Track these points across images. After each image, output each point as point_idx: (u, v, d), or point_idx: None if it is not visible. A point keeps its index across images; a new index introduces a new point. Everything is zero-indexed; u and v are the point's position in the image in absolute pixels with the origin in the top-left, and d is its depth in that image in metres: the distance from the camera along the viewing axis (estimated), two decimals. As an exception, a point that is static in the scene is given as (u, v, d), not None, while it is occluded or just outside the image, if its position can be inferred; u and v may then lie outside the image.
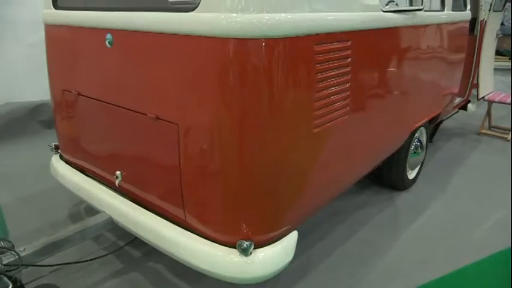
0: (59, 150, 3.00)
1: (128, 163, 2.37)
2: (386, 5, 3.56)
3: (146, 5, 2.26)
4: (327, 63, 1.96)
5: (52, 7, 2.66)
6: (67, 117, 2.78)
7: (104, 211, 2.44)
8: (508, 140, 4.91)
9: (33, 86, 4.81)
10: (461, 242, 2.88)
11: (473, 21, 4.39)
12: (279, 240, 1.99)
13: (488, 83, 5.07)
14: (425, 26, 3.04)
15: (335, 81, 2.05)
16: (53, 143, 3.02)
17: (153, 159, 2.19)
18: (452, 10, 3.59)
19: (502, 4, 4.90)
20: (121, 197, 2.43)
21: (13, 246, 2.00)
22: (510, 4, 7.45)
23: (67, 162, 2.91)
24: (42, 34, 2.82)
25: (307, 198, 2.16)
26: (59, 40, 2.71)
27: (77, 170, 2.80)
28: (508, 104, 4.99)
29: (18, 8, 4.84)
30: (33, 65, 4.53)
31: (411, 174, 3.64)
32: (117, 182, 2.40)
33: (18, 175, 3.87)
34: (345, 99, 2.17)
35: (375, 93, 2.55)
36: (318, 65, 1.91)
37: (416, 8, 2.79)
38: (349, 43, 2.10)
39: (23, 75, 4.96)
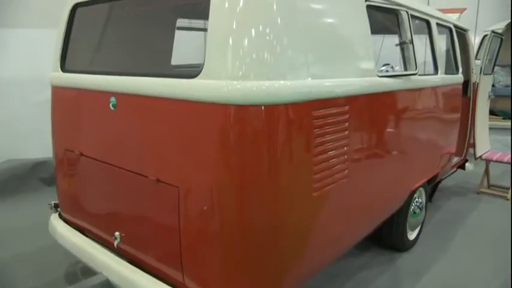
0: (58, 209, 2.99)
1: (127, 224, 2.37)
2: (383, 66, 3.71)
3: (150, 71, 2.35)
4: (325, 127, 2.02)
5: (60, 70, 2.76)
6: (68, 176, 2.81)
7: (101, 272, 2.40)
8: (508, 199, 4.91)
9: (36, 143, 4.88)
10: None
11: (466, 84, 4.53)
12: (278, 304, 1.95)
13: (484, 142, 5.15)
14: (420, 89, 3.15)
15: (333, 145, 2.10)
16: (53, 202, 3.02)
17: (152, 221, 2.20)
18: (445, 73, 3.72)
19: (491, 67, 5.09)
20: (119, 259, 2.40)
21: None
22: (499, 67, 7.70)
23: (66, 221, 2.90)
24: (47, 94, 2.91)
25: (306, 261, 2.14)
26: (64, 101, 2.78)
27: (76, 229, 2.78)
28: (505, 162, 5.03)
29: (26, 70, 5.01)
30: (37, 123, 4.61)
31: (412, 235, 3.61)
32: (115, 243, 2.39)
33: (16, 232, 3.83)
34: (343, 163, 2.21)
35: (373, 156, 2.59)
36: (316, 130, 1.96)
37: (411, 72, 2.90)
38: (346, 108, 2.17)
39: (26, 132, 5.04)
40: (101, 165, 2.44)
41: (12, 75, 5.02)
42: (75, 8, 2.72)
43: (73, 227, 2.82)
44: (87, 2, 2.63)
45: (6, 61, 4.99)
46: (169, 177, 2.02)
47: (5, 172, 4.85)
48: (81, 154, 2.60)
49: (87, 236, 2.70)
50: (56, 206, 3.01)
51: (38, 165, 5.03)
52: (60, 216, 2.97)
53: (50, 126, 2.91)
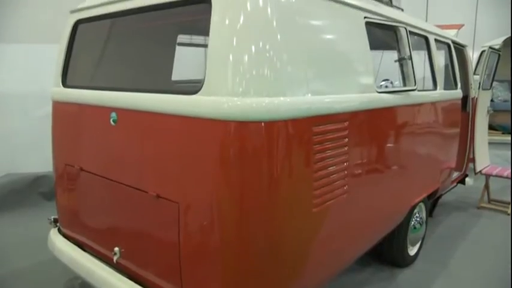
0: (58, 224, 2.98)
1: (127, 240, 2.36)
2: (382, 81, 3.73)
3: (151, 86, 2.37)
4: (325, 143, 2.03)
5: (61, 85, 2.78)
6: (68, 191, 2.81)
7: (99, 288, 2.39)
8: (509, 214, 4.89)
9: (36, 157, 4.87)
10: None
11: (465, 99, 4.55)
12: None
13: (484, 157, 5.15)
14: (419, 104, 3.16)
15: (333, 161, 2.11)
16: (52, 217, 3.02)
17: (152, 237, 2.19)
18: (444, 89, 3.74)
19: (489, 83, 5.12)
20: (118, 274, 2.38)
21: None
22: (498, 82, 7.75)
23: (65, 236, 2.89)
24: (47, 108, 2.92)
25: (306, 277, 2.14)
26: (65, 116, 2.80)
27: (75, 244, 2.77)
28: (505, 177, 5.03)
29: (27, 84, 5.04)
30: (37, 137, 4.60)
31: (412, 251, 3.59)
32: (115, 259, 2.38)
33: (15, 247, 3.81)
34: (343, 178, 2.21)
35: (373, 172, 2.59)
36: (316, 146, 1.97)
37: (410, 88, 2.92)
38: (346, 124, 2.18)
39: (26, 146, 5.05)
40: (101, 180, 2.44)
41: (13, 90, 5.05)
42: (77, 24, 2.76)
43: (72, 242, 2.81)
44: (88, 18, 2.66)
45: (8, 75, 5.03)
46: (169, 193, 2.02)
47: (5, 186, 4.84)
48: (81, 169, 2.60)
49: (86, 251, 2.69)
50: (56, 221, 3.00)
51: (37, 180, 5.02)
52: (60, 231, 2.96)
53: (50, 140, 2.92)
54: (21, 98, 5.07)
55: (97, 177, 2.48)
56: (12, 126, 5.07)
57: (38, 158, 4.77)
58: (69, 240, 2.84)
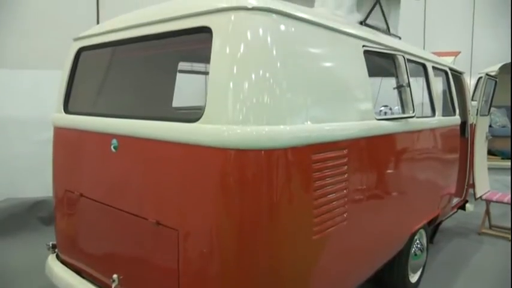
0: (56, 250, 2.96)
1: (126, 267, 2.34)
2: (382, 107, 3.76)
3: (151, 114, 2.39)
4: (325, 171, 2.04)
5: (63, 111, 2.81)
6: (67, 217, 2.80)
7: (97, 316, 2.36)
8: (510, 240, 4.86)
9: (35, 182, 4.89)
10: None
11: (464, 125, 4.58)
12: None
13: (483, 182, 5.15)
14: (418, 131, 3.18)
15: (333, 189, 2.11)
16: (51, 242, 2.99)
17: (151, 264, 2.18)
18: (443, 115, 3.77)
19: (487, 109, 5.16)
20: (116, 302, 2.36)
21: None
22: (495, 108, 7.81)
23: (63, 262, 2.87)
24: (48, 133, 2.95)
25: (306, 305, 2.11)
26: (66, 142, 2.82)
27: (73, 271, 2.75)
28: (505, 203, 5.02)
29: (29, 109, 5.09)
30: (37, 162, 4.64)
31: (413, 278, 3.55)
32: (113, 286, 2.35)
33: (13, 272, 3.78)
34: (343, 206, 2.21)
35: (373, 199, 2.59)
36: (315, 174, 1.98)
37: (408, 115, 2.94)
38: (345, 151, 2.19)
39: (26, 171, 5.06)
40: (101, 206, 2.44)
41: (15, 114, 5.09)
42: (79, 52, 2.80)
43: (70, 269, 2.78)
44: (91, 46, 2.71)
45: (9, 100, 5.09)
46: (169, 220, 2.02)
47: (4, 211, 4.82)
48: (81, 195, 2.60)
49: (84, 278, 2.66)
50: (54, 247, 2.98)
51: (37, 204, 5.00)
52: (58, 257, 2.93)
53: (51, 165, 2.93)
54: (22, 123, 5.12)
55: (97, 204, 2.48)
56: (13, 151, 5.10)
57: (37, 182, 4.78)
58: (68, 267, 2.81)
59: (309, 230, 2.00)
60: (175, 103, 3.80)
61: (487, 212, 5.22)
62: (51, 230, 3.11)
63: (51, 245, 2.99)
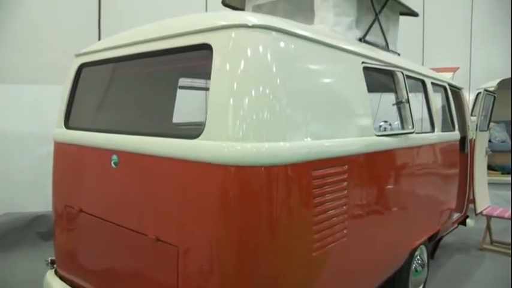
0: (55, 266, 2.94)
1: (125, 283, 2.33)
2: (381, 122, 3.77)
3: (152, 130, 2.40)
4: (324, 187, 2.04)
5: (63, 127, 2.82)
6: (67, 232, 2.79)
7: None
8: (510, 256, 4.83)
9: (35, 197, 4.88)
10: None
11: (463, 140, 4.59)
12: None
13: (484, 197, 5.14)
14: (418, 147, 3.19)
15: (332, 205, 2.11)
16: (49, 258, 2.98)
17: (151, 280, 2.16)
18: (442, 131, 3.78)
19: (486, 124, 5.18)
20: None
21: None
22: (494, 123, 7.82)
23: (62, 278, 2.85)
24: (49, 148, 2.95)
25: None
26: (66, 157, 2.82)
27: (72, 287, 2.73)
28: (506, 218, 5.00)
29: (29, 124, 5.11)
30: (38, 176, 4.64)
31: (414, 294, 3.53)
32: (111, 303, 2.34)
33: (10, 288, 3.76)
34: (343, 222, 2.21)
35: (373, 215, 2.59)
36: (315, 190, 1.98)
37: (408, 131, 2.95)
38: (345, 167, 2.20)
39: (26, 186, 5.05)
40: (101, 222, 2.43)
41: (16, 129, 5.11)
42: (81, 68, 2.82)
43: (69, 285, 2.76)
44: (93, 62, 2.73)
45: (10, 115, 5.11)
46: (168, 236, 2.01)
47: (3, 226, 4.80)
48: (81, 210, 2.60)
49: (82, 294, 2.65)
50: (53, 263, 2.96)
51: (36, 219, 4.99)
52: (56, 272, 2.92)
53: (50, 180, 2.93)
54: (22, 137, 5.13)
55: (96, 219, 2.47)
56: (13, 165, 5.10)
57: (37, 197, 4.78)
58: (66, 283, 2.79)
59: (309, 247, 1.99)
60: (176, 117, 3.82)
61: (488, 228, 5.20)
62: (50, 245, 3.10)
63: (49, 261, 2.97)
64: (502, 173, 7.85)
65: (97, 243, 2.54)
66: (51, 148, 2.92)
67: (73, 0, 5.48)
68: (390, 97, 3.20)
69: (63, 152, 2.85)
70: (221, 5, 3.56)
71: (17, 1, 5.20)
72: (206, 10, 6.21)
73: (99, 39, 5.44)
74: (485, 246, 5.14)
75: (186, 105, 4.09)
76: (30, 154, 5.09)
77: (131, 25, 2.66)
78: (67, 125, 2.82)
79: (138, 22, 2.64)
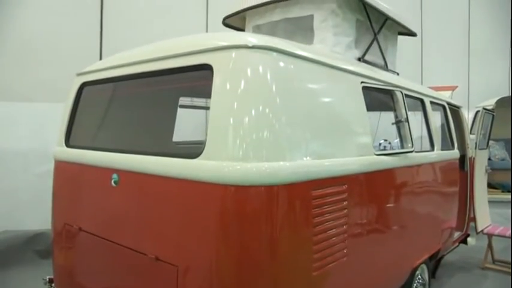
0: (53, 285, 2.92)
1: (123, 303, 2.31)
2: (381, 141, 3.77)
3: (152, 149, 2.41)
4: (324, 207, 2.04)
5: (64, 145, 2.83)
6: (66, 251, 2.78)
7: None
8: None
9: (34, 215, 4.86)
10: None
11: (463, 158, 4.60)
12: None
13: (484, 216, 5.12)
14: (417, 166, 3.19)
15: (332, 224, 2.11)
16: (47, 277, 2.96)
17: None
18: (442, 149, 3.79)
19: (485, 142, 5.19)
20: None
21: None
22: (494, 141, 7.85)
23: (59, 298, 2.83)
24: (48, 166, 2.96)
25: None
26: (67, 176, 2.82)
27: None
28: (507, 237, 4.97)
29: (30, 141, 5.11)
30: (37, 194, 4.64)
31: (416, 314, 3.49)
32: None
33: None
34: (343, 241, 2.20)
35: (373, 234, 2.58)
36: (315, 209, 1.98)
37: (407, 150, 2.96)
38: (344, 187, 2.20)
39: (25, 203, 5.03)
40: (100, 241, 2.42)
41: (15, 147, 5.11)
42: (82, 86, 2.84)
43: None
44: (93, 81, 2.76)
45: (10, 133, 5.11)
46: (168, 256, 2.00)
47: (1, 243, 4.76)
48: (80, 229, 2.59)
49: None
50: (51, 281, 2.94)
51: (34, 237, 4.95)
52: (54, 292, 2.90)
53: (50, 197, 2.92)
54: (22, 155, 5.13)
55: (96, 238, 2.46)
56: (12, 183, 5.08)
57: (36, 215, 4.75)
58: (64, 303, 2.77)
59: (309, 266, 1.98)
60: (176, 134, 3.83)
61: (490, 246, 5.16)
62: (48, 263, 3.08)
63: (47, 279, 2.95)
64: (503, 191, 7.84)
65: (96, 262, 2.53)
66: (51, 166, 2.93)
67: (74, 17, 5.53)
68: (390, 115, 3.21)
69: (63, 170, 2.86)
70: (221, 25, 3.60)
71: (16, 19, 5.26)
72: (207, 30, 6.28)
73: (101, 58, 5.49)
74: (487, 265, 5.09)
75: (186, 122, 4.10)
76: (29, 172, 5.09)
77: (133, 44, 2.70)
78: (68, 143, 2.83)
79: (140, 41, 2.68)
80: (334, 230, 2.12)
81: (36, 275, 3.33)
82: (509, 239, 5.03)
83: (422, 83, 6.68)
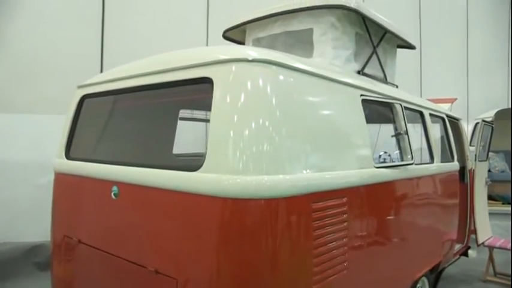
0: (52, 298, 2.91)
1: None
2: (381, 153, 3.77)
3: (152, 161, 2.41)
4: (324, 220, 2.04)
5: (64, 157, 2.83)
6: (65, 263, 2.77)
7: None
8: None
9: (33, 226, 4.85)
10: None
11: (463, 170, 4.60)
12: None
13: (485, 228, 5.10)
14: (417, 178, 3.19)
15: (332, 237, 2.10)
16: (46, 290, 2.94)
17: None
18: (441, 161, 3.80)
19: (485, 154, 5.19)
20: None
21: None
22: (493, 153, 7.85)
23: (58, 311, 2.81)
24: (49, 177, 2.95)
25: None
26: (67, 188, 2.82)
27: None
28: (508, 249, 4.94)
29: (30, 153, 5.12)
30: (36, 205, 4.63)
31: (417, 328, 3.46)
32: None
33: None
34: (343, 254, 2.19)
35: (373, 247, 2.57)
36: (315, 222, 1.98)
37: (407, 162, 2.96)
38: (344, 199, 2.20)
39: (24, 215, 5.02)
40: (99, 253, 2.42)
41: (15, 158, 5.11)
42: (83, 99, 2.86)
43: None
44: (94, 94, 2.77)
45: (11, 144, 5.12)
46: (167, 269, 2.00)
47: (1, 255, 4.74)
48: (80, 241, 2.58)
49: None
50: (49, 295, 2.93)
51: (33, 249, 4.94)
52: (52, 306, 2.88)
53: (49, 209, 2.92)
54: (22, 167, 5.13)
55: (95, 250, 2.45)
56: (12, 194, 5.08)
57: (35, 226, 4.74)
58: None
59: (309, 279, 1.98)
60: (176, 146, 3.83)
61: (491, 259, 5.14)
62: (46, 276, 3.06)
63: (46, 293, 2.94)
64: (503, 203, 7.82)
65: (95, 275, 2.52)
66: (51, 177, 2.93)
67: (75, 30, 5.57)
68: (389, 127, 3.22)
69: (63, 182, 2.86)
70: (222, 38, 3.63)
71: (16, 31, 5.29)
72: (207, 44, 6.32)
73: (101, 71, 5.52)
74: (488, 278, 5.06)
75: (187, 134, 4.11)
76: (29, 183, 5.09)
77: (134, 57, 2.72)
78: (68, 156, 2.84)
79: (141, 54, 2.70)
80: (334, 242, 2.12)
81: (35, 287, 3.31)
82: (510, 252, 5.01)
83: (421, 95, 6.72)
